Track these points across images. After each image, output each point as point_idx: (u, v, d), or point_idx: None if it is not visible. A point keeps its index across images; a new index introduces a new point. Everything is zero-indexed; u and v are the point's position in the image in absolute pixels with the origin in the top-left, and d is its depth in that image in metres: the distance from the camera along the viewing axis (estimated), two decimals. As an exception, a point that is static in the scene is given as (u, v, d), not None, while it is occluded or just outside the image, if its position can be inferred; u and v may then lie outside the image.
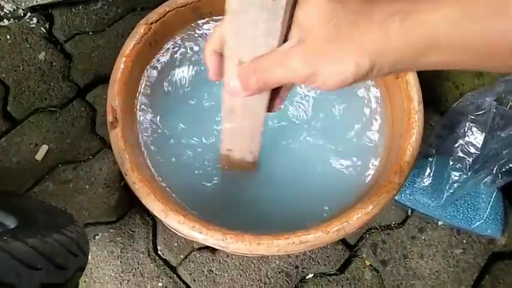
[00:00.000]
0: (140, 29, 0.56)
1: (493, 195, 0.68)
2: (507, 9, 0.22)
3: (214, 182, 0.56)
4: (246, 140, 0.47)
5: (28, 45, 0.86)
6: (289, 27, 0.28)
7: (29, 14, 0.89)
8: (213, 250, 0.70)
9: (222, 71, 0.32)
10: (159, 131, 0.58)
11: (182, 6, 0.58)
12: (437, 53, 0.25)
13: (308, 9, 0.26)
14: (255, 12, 0.26)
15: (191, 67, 0.62)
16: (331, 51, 0.26)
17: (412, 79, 0.52)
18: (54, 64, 0.85)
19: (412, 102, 0.51)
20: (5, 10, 0.88)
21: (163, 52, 0.61)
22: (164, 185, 0.54)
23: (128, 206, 0.74)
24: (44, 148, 0.77)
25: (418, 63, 0.26)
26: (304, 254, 0.70)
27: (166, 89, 0.61)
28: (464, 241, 0.71)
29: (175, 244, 0.71)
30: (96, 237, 0.71)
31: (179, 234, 0.47)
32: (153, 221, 0.73)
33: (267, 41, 0.28)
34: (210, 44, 0.32)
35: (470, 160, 0.65)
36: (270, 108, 0.38)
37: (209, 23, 0.63)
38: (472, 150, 0.65)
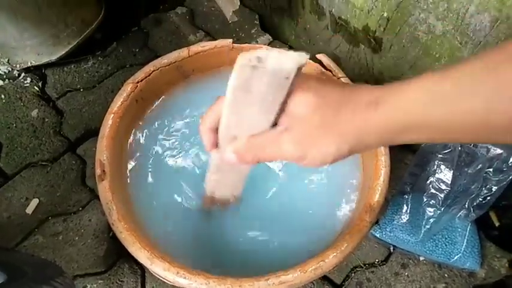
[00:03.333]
0: (127, 87, 0.61)
1: (468, 229, 0.71)
2: (471, 90, 0.24)
3: (199, 229, 0.59)
4: (229, 188, 0.51)
5: (22, 104, 0.90)
6: (279, 114, 0.32)
7: (23, 74, 0.94)
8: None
9: (216, 143, 0.36)
10: (146, 181, 0.61)
11: (166, 66, 0.64)
12: (414, 133, 0.28)
13: (297, 100, 0.30)
14: (256, 98, 0.30)
15: (177, 123, 0.67)
16: (317, 138, 0.30)
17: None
18: (46, 120, 0.89)
19: (379, 145, 0.55)
20: (0, 72, 0.94)
21: (150, 108, 0.66)
22: (150, 233, 0.56)
23: (117, 256, 0.75)
24: (35, 202, 0.79)
25: (395, 141, 0.29)
26: (291, 296, 0.71)
27: (153, 144, 0.65)
28: (446, 275, 0.73)
29: (164, 292, 0.72)
30: (85, 289, 0.72)
31: (165, 281, 0.49)
32: (141, 270, 0.74)
33: (261, 123, 0.32)
34: (206, 122, 0.35)
35: (442, 196, 0.69)
36: None
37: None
38: (443, 186, 0.69)
